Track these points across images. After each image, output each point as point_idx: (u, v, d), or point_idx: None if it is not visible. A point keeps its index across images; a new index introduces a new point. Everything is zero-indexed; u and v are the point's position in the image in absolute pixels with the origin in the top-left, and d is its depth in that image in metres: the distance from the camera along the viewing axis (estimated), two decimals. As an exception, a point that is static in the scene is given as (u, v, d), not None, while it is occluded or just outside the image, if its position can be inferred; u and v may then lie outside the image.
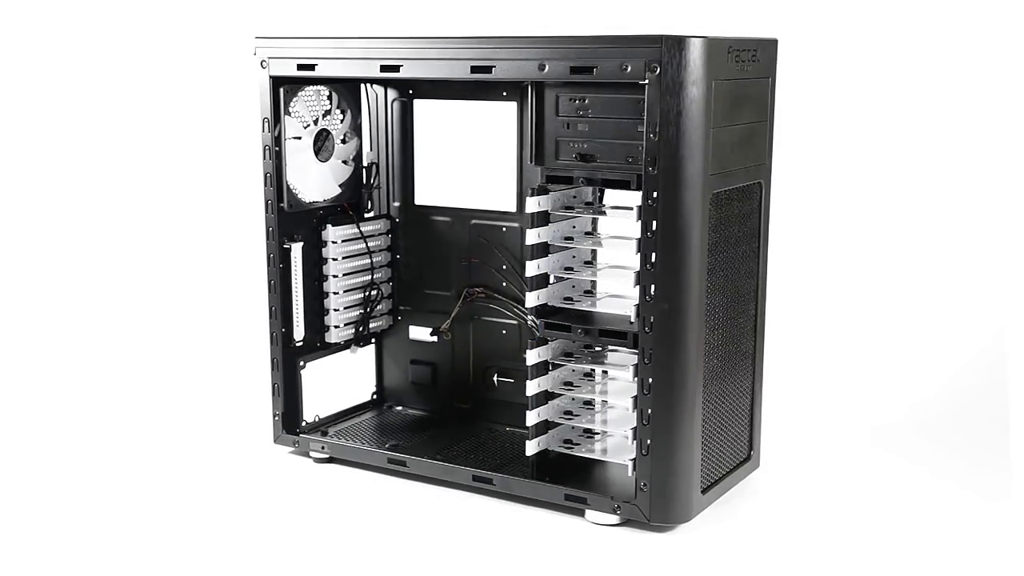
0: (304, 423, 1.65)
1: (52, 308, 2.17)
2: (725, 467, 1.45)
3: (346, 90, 1.63)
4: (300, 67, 1.51)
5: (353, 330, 1.68)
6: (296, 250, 1.60)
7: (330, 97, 1.62)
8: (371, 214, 1.70)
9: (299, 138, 1.58)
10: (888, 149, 2.08)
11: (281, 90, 1.53)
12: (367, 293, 1.69)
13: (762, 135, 1.44)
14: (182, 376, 1.97)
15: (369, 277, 1.68)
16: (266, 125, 1.54)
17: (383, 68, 1.46)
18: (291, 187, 1.57)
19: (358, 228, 1.66)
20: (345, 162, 1.67)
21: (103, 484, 1.53)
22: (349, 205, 1.67)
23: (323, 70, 1.50)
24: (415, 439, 1.62)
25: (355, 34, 1.48)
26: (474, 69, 1.39)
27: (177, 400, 1.87)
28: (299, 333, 1.62)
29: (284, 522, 1.42)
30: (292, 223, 1.59)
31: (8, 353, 2.03)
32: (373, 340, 1.76)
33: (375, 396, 1.78)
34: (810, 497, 1.49)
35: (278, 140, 1.54)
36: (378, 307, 1.71)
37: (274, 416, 1.62)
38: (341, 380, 1.77)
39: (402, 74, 1.44)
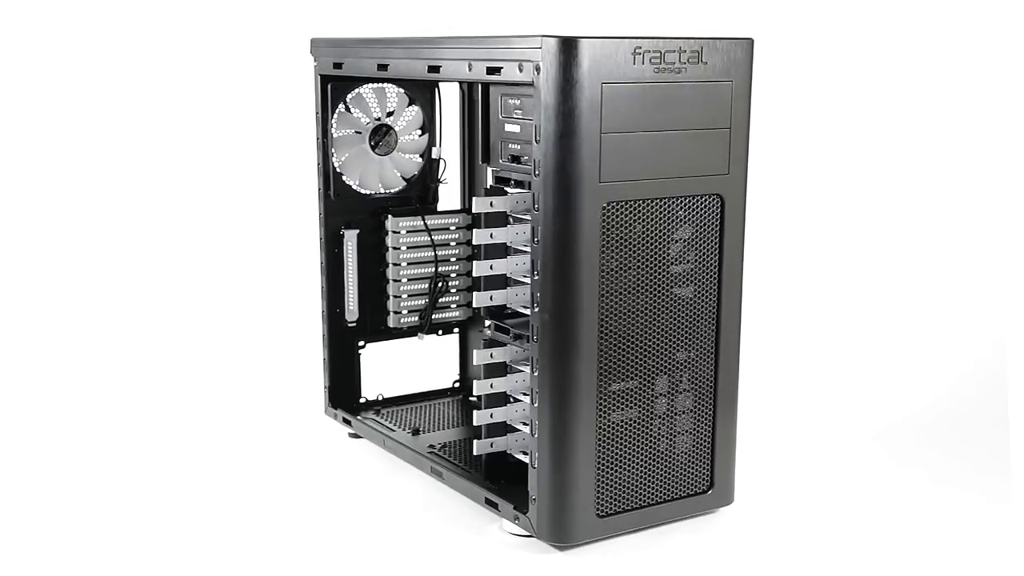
0: (364, 400, 1.76)
1: (142, 281, 2.27)
2: (658, 496, 1.36)
3: (417, 87, 1.71)
4: (335, 65, 1.61)
5: (417, 318, 1.76)
6: (350, 236, 1.71)
7: (399, 94, 1.70)
8: (446, 208, 1.76)
9: (359, 133, 1.69)
10: (888, 153, 2.13)
11: (329, 86, 1.65)
12: (434, 284, 1.75)
13: (721, 143, 1.32)
14: (271, 352, 2.09)
15: (434, 268, 1.74)
16: (316, 119, 1.67)
17: (379, 67, 1.53)
18: (343, 177, 1.68)
19: (423, 221, 1.73)
20: (422, 155, 1.74)
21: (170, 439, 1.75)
22: (417, 198, 1.75)
23: (347, 69, 1.59)
24: (441, 429, 1.67)
25: (361, 36, 1.56)
26: (430, 69, 1.42)
27: (260, 372, 2.00)
28: (351, 315, 1.72)
29: (274, 482, 1.54)
30: (348, 211, 1.70)
31: (96, 319, 2.18)
32: (456, 330, 1.82)
33: (456, 384, 1.84)
34: (759, 541, 1.35)
35: (325, 133, 1.66)
36: (449, 298, 1.76)
37: (324, 390, 1.74)
38: (424, 365, 1.86)
39: (389, 73, 1.51)
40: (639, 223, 1.28)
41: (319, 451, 1.66)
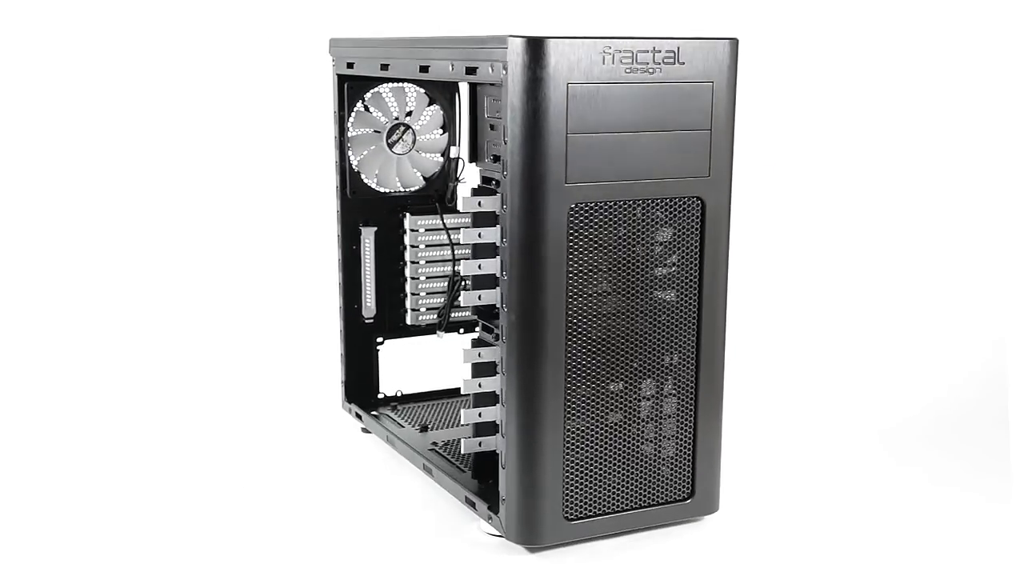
0: (382, 395, 1.78)
1: (162, 278, 2.29)
2: (632, 502, 1.35)
3: (436, 87, 1.72)
4: (348, 65, 1.64)
5: (436, 316, 1.77)
6: (367, 234, 1.73)
7: (419, 94, 1.72)
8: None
9: (378, 132, 1.71)
10: (889, 152, 2.12)
11: (345, 86, 1.67)
12: (452, 283, 1.76)
13: (701, 145, 1.30)
14: (294, 346, 2.12)
15: (453, 267, 1.75)
16: (333, 118, 1.69)
17: (381, 67, 1.54)
18: (360, 176, 1.70)
19: (441, 219, 1.74)
20: (442, 154, 1.75)
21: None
22: (437, 196, 1.76)
23: (358, 68, 1.62)
24: (450, 426, 1.68)
25: (367, 36, 1.58)
26: (421, 68, 1.43)
27: (282, 367, 2.04)
28: (368, 311, 1.75)
29: (279, 473, 1.58)
30: (366, 209, 1.72)
31: (117, 314, 2.21)
32: (476, 328, 1.82)
33: (477, 382, 1.85)
34: (739, 549, 1.33)
35: (343, 131, 1.68)
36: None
37: (340, 385, 1.77)
38: (446, 363, 1.87)
39: (390, 72, 1.52)
40: (612, 225, 1.27)
41: (330, 445, 1.69)
